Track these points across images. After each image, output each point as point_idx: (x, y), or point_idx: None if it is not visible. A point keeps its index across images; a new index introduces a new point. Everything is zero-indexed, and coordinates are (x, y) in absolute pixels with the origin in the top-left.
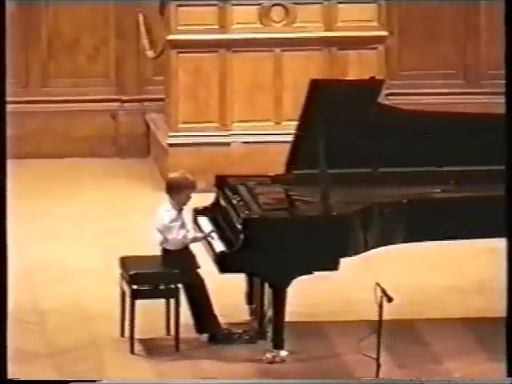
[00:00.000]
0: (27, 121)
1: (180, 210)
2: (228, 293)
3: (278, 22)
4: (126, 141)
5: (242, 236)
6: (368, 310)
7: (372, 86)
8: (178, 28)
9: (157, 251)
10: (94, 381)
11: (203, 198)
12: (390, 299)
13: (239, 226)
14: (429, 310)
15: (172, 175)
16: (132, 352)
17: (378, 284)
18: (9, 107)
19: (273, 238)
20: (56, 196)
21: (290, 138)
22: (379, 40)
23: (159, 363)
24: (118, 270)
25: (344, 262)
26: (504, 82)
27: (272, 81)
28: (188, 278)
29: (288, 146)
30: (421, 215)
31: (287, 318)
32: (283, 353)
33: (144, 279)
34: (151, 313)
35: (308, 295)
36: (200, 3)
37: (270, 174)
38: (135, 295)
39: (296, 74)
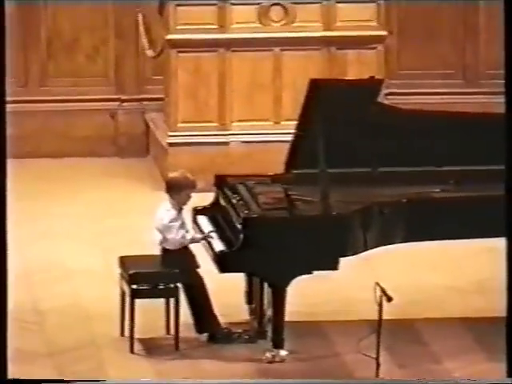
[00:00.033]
0: (27, 120)
1: (180, 210)
2: (228, 292)
3: (277, 22)
4: (126, 140)
5: (241, 235)
6: (368, 309)
7: (371, 86)
8: (178, 28)
9: (156, 251)
10: (98, 381)
11: (203, 198)
12: (389, 299)
13: (239, 226)
14: (428, 309)
15: (172, 175)
16: (132, 351)
17: (377, 284)
18: (8, 107)
19: (272, 238)
20: (55, 196)
21: (289, 138)
22: (378, 40)
23: (159, 363)
24: (117, 270)
25: (344, 261)
26: (503, 81)
27: (271, 80)
28: (187, 277)
29: (287, 146)
30: (420, 215)
31: (287, 318)
32: (283, 352)
33: (143, 279)
34: (151, 312)
35: (308, 295)
36: (199, 3)
37: (269, 174)
38: (135, 295)
39: (295, 73)
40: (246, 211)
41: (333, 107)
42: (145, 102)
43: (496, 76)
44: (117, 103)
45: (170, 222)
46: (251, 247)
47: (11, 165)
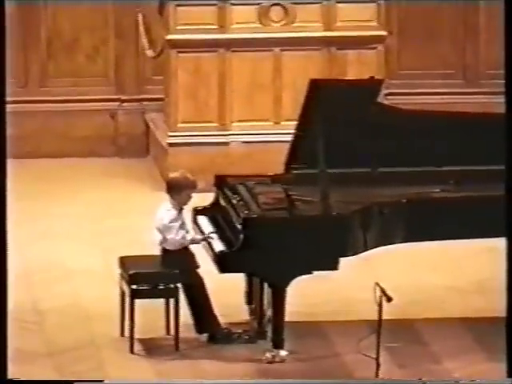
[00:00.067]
0: (26, 120)
1: (180, 210)
2: (227, 292)
3: (277, 22)
4: (126, 140)
5: (241, 236)
6: (367, 309)
7: (371, 86)
8: (177, 28)
9: (156, 251)
10: (101, 381)
11: (203, 198)
12: (389, 299)
13: (239, 226)
14: (428, 309)
15: (172, 175)
16: (132, 352)
17: (377, 284)
18: (8, 107)
19: (272, 238)
20: (55, 196)
21: (289, 138)
22: (378, 40)
23: (159, 363)
24: (117, 270)
25: (343, 261)
26: (503, 81)
27: (271, 80)
28: (187, 277)
29: (287, 146)
30: (420, 215)
31: (287, 318)
32: (283, 352)
33: (143, 279)
34: (151, 312)
35: (307, 295)
36: (199, 3)
37: (269, 174)
38: (135, 295)
39: (295, 73)
40: (246, 211)
41: (333, 107)
42: (145, 102)
43: (496, 76)
44: (117, 103)
45: (170, 222)
46: (251, 247)
47: (11, 165)
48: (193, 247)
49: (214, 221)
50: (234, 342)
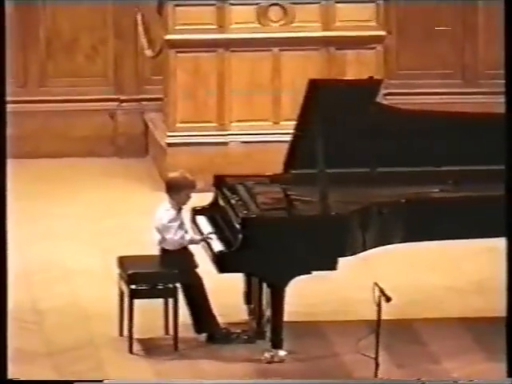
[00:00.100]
0: (26, 120)
1: (179, 210)
2: (226, 292)
3: (276, 22)
4: (125, 140)
5: (240, 236)
6: (366, 309)
7: (370, 86)
8: (176, 28)
9: (155, 251)
10: (100, 381)
11: (202, 198)
12: (388, 299)
13: (238, 226)
14: (427, 309)
15: (172, 175)
16: (131, 352)
17: (376, 284)
18: (7, 107)
19: (271, 238)
20: (54, 196)
21: (288, 138)
22: (377, 40)
23: (158, 363)
24: (116, 270)
25: (342, 261)
26: (502, 81)
27: (270, 80)
28: (186, 277)
29: (286, 146)
30: (419, 215)
31: (285, 318)
32: (282, 352)
33: (142, 279)
34: (150, 312)
35: (306, 295)
36: (198, 3)
37: (268, 174)
38: (133, 295)
39: (294, 73)
40: (245, 211)
41: (332, 107)
42: (144, 102)
43: (495, 76)
44: (116, 103)
45: (169, 222)
46: (250, 247)
47: (10, 165)
48: (192, 247)
49: (212, 221)
50: (232, 342)
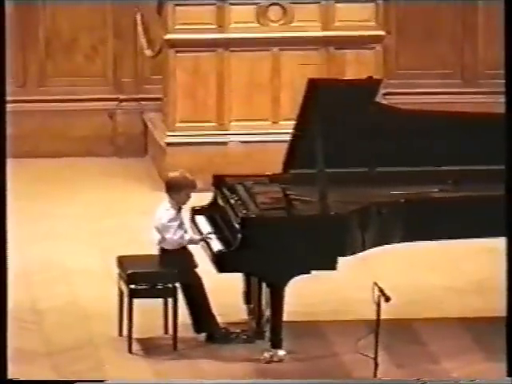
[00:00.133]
0: (25, 120)
1: (179, 210)
2: (226, 292)
3: (275, 22)
4: (124, 140)
5: (239, 235)
6: (366, 309)
7: (370, 86)
8: (176, 27)
9: (155, 251)
10: (101, 381)
11: (201, 198)
12: (387, 299)
13: (237, 226)
14: (426, 309)
15: (172, 174)
16: (130, 351)
17: (375, 283)
18: (7, 106)
19: (271, 238)
20: (54, 196)
21: (287, 138)
22: (377, 39)
23: (157, 363)
24: (115, 270)
25: (342, 261)
26: (502, 81)
27: (270, 80)
28: (186, 277)
29: (286, 146)
30: (419, 215)
31: (285, 318)
32: (281, 352)
33: (142, 278)
34: (149, 312)
35: (306, 295)
36: (198, 2)
37: (267, 174)
38: (133, 294)
39: (294, 73)
40: (244, 211)
41: (331, 107)
42: (143, 102)
43: (495, 76)
44: (115, 103)
45: (169, 221)
46: (249, 247)
47: (9, 164)
48: (191, 247)
49: (212, 220)
50: (232, 342)
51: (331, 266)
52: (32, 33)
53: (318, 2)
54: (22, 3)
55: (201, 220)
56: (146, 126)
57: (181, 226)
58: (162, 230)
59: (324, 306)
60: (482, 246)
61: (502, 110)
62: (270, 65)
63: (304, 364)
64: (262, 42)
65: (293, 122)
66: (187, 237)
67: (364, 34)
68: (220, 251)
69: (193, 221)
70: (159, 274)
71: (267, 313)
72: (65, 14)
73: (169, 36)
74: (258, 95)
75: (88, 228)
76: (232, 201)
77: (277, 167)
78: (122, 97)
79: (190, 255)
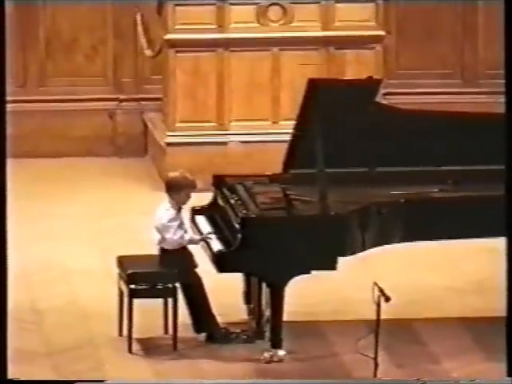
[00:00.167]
0: (25, 120)
1: (179, 210)
2: (226, 292)
3: (275, 22)
4: (124, 140)
5: (239, 235)
6: (366, 309)
7: (370, 86)
8: (176, 27)
9: (155, 251)
10: (101, 381)
11: (201, 198)
12: (387, 299)
13: (237, 226)
14: (427, 309)
15: (172, 174)
16: (130, 351)
17: (375, 283)
18: (7, 106)
19: (271, 238)
20: (54, 196)
21: (287, 138)
22: (377, 39)
23: (157, 362)
24: (115, 270)
25: (341, 261)
26: (502, 81)
27: (270, 80)
28: (186, 277)
29: (286, 146)
30: (419, 215)
31: (285, 318)
32: (281, 352)
33: (142, 278)
34: (149, 312)
35: (306, 295)
36: (198, 3)
37: (267, 174)
38: (133, 294)
39: (294, 73)
40: (244, 211)
41: (331, 107)
42: (143, 102)
43: (495, 76)
44: (115, 103)
45: (169, 221)
46: (249, 247)
47: (9, 164)
48: (191, 247)
49: (212, 220)
50: (232, 342)
51: (331, 266)
52: (32, 33)
53: (318, 2)
54: (21, 3)
55: (201, 220)
56: (146, 126)
57: (181, 226)
58: (162, 229)
59: (324, 306)
60: (481, 246)
61: (502, 110)
62: (269, 65)
63: (304, 364)
64: (262, 42)
65: (293, 122)
66: (187, 237)
67: (364, 33)
68: (220, 251)
69: (193, 221)
70: (159, 274)
71: (267, 313)
72: (65, 13)
73: (169, 36)
74: (257, 95)
75: (88, 228)
76: (232, 201)
77: (277, 167)
78: (122, 97)
79: (190, 255)
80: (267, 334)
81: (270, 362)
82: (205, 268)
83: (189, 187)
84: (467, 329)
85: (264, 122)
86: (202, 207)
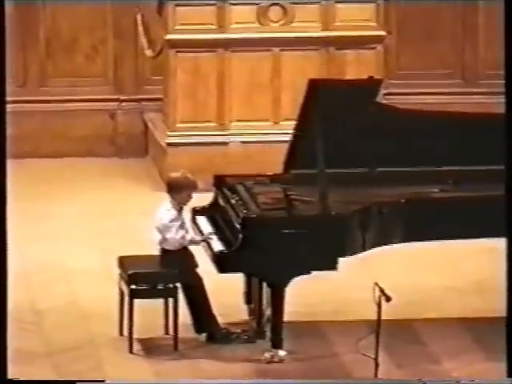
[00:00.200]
0: (25, 120)
1: (180, 210)
2: (226, 292)
3: (276, 22)
4: (125, 140)
5: (240, 235)
6: (366, 309)
7: (370, 86)
8: (176, 28)
9: (155, 251)
10: (102, 381)
11: (202, 198)
12: (388, 299)
13: (238, 226)
14: (427, 309)
15: (173, 175)
16: (131, 351)
17: (376, 284)
18: (7, 107)
19: (271, 238)
20: (54, 196)
21: (288, 138)
22: (377, 40)
23: (158, 363)
24: (116, 270)
25: (342, 261)
26: (502, 81)
27: (270, 80)
28: (186, 277)
29: (286, 146)
30: (419, 215)
31: (285, 318)
32: (282, 352)
33: (142, 279)
34: (150, 312)
35: (306, 295)
36: (198, 3)
37: (268, 174)
38: (133, 295)
39: (294, 73)
40: (245, 211)
41: (332, 107)
42: (144, 102)
43: (495, 76)
44: (116, 103)
45: (170, 221)
46: (250, 247)
47: (10, 165)
48: (192, 247)
49: (212, 221)
50: (232, 342)
51: (332, 266)
52: (32, 33)
53: (319, 3)
54: (22, 3)
55: (202, 220)
56: (146, 126)
57: (182, 226)
58: (163, 230)
59: (324, 307)
60: (482, 246)
61: (502, 110)
62: (270, 65)
63: (304, 364)
64: (263, 43)
65: (293, 123)
66: (188, 237)
67: (364, 34)
68: (221, 251)
69: (194, 221)
70: (160, 275)
71: (268, 313)
72: (65, 14)
73: (169, 36)
74: (258, 95)
75: (88, 228)
76: (233, 201)
77: (277, 167)
78: (122, 97)
79: (190, 255)
80: (268, 334)
81: (270, 362)
82: (205, 268)
83: (190, 188)
84: (467, 329)
85: (264, 123)
86: (203, 207)
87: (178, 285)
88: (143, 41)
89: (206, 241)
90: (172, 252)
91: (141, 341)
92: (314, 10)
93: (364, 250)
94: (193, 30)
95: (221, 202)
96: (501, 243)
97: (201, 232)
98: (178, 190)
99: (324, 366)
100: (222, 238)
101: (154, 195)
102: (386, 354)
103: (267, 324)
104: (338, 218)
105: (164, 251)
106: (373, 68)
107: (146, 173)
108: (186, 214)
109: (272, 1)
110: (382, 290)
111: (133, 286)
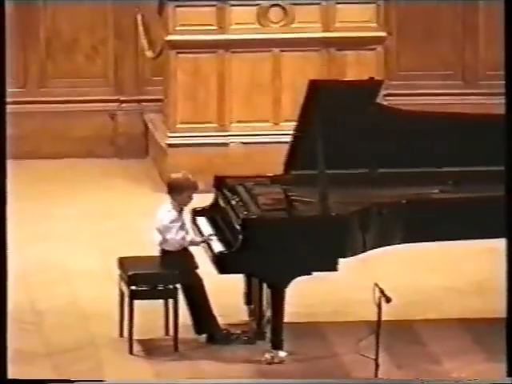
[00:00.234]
0: (25, 121)
1: (180, 211)
2: (226, 293)
3: (276, 23)
4: (125, 141)
5: (240, 236)
6: (366, 310)
7: (370, 87)
8: (177, 28)
9: (155, 252)
10: (97, 381)
11: (202, 199)
12: (388, 300)
13: (238, 227)
14: (427, 310)
15: (174, 176)
16: (131, 352)
17: (376, 284)
18: (7, 107)
19: (272, 239)
20: (54, 197)
21: (288, 139)
22: (378, 41)
23: (158, 363)
24: (116, 271)
25: (342, 262)
26: (503, 82)
27: (270, 81)
28: (186, 278)
29: (286, 147)
30: (419, 216)
31: (286, 319)
32: (282, 353)
33: (142, 280)
34: (150, 313)
35: (306, 296)
36: (198, 4)
37: (268, 175)
38: (134, 296)
39: (294, 74)
40: (245, 212)
41: (332, 108)
42: (144, 103)
43: (495, 77)
44: (116, 104)
45: (171, 222)
46: (250, 248)
47: (10, 165)
48: (192, 248)
49: (213, 222)
50: (232, 343)
51: (332, 267)
52: (32, 33)
53: (319, 3)
54: (22, 3)
55: (202, 221)
56: (146, 127)
57: (182, 227)
58: (163, 231)
59: (324, 307)
60: (482, 247)
61: (502, 111)
62: (270, 66)
63: (304, 365)
64: (263, 43)
65: (294, 124)
66: (188, 238)
67: (365, 35)
68: (221, 252)
69: (194, 222)
70: (160, 276)
71: (268, 314)
72: (65, 14)
73: (169, 37)
74: (258, 96)
75: (89, 229)
76: (233, 202)
77: (278, 168)
78: (122, 98)
79: (190, 256)
80: (268, 335)
81: (270, 362)
82: (206, 269)
83: (191, 189)
84: (467, 329)
85: (265, 124)
86: (203, 208)
87: (178, 286)
88: (143, 42)
89: (207, 242)
90: (172, 253)
91: (141, 342)
92: (314, 10)
93: (364, 250)
94: (193, 31)
95: (221, 202)
96: (501, 244)
97: (201, 233)
98: (178, 191)
99: (324, 367)
100: (222, 239)
101: (154, 196)
102: (386, 355)
103: (267, 325)
104: (338, 219)
105: (164, 252)
106: (373, 69)
107: (146, 174)
108: (187, 215)
109: (272, 1)
110: (382, 291)
111: (133, 287)
